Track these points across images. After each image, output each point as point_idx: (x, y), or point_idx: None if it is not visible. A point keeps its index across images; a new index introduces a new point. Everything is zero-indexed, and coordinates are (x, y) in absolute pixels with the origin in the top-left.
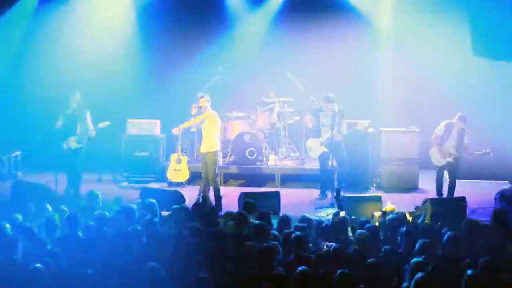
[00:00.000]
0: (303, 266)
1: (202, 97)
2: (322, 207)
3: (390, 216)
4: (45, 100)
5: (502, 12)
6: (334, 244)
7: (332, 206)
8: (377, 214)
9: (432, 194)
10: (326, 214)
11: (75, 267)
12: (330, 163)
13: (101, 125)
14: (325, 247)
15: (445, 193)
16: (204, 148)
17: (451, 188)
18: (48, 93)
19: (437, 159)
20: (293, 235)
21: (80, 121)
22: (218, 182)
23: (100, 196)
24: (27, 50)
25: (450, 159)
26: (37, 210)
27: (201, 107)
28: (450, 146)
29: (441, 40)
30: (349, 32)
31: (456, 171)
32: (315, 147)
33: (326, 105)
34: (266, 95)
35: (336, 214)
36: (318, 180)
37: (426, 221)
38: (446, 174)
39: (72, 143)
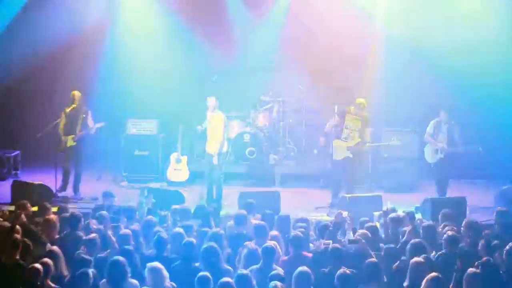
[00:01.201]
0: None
1: (211, 97)
2: (322, 207)
3: (390, 216)
4: (46, 99)
5: None
6: (331, 242)
7: (333, 206)
8: (377, 214)
9: (432, 193)
10: (327, 214)
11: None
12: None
13: (97, 125)
14: (322, 245)
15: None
16: (214, 150)
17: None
18: (50, 92)
19: (430, 156)
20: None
21: (81, 120)
22: None
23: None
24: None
25: (441, 156)
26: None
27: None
28: (441, 141)
29: (441, 39)
30: (349, 31)
31: (448, 168)
32: (340, 150)
33: (355, 109)
34: (266, 94)
35: (338, 215)
36: (318, 178)
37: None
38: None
39: (69, 141)
